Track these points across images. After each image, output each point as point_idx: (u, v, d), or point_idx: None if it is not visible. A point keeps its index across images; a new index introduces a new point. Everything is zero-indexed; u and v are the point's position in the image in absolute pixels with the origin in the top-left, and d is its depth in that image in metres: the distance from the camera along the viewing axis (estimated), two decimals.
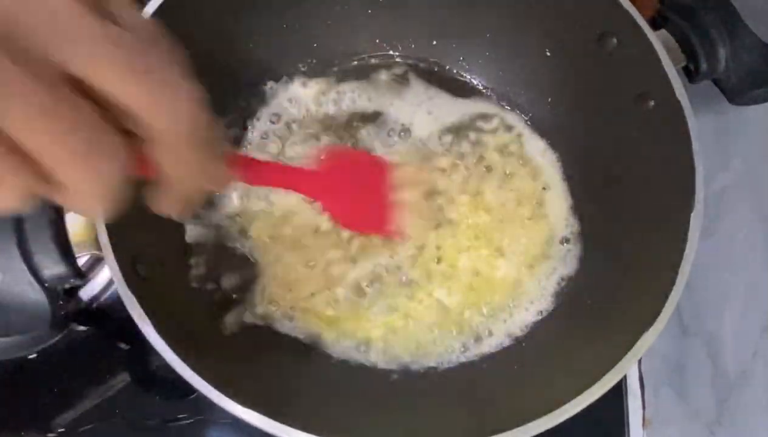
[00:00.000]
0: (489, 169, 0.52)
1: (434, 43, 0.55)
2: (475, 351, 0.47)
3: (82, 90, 0.21)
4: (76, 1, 0.20)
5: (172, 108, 0.22)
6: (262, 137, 0.52)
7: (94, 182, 0.21)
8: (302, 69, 0.54)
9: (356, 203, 0.45)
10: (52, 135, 0.20)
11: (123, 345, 0.52)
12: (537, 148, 0.53)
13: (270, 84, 0.53)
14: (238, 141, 0.52)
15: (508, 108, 0.55)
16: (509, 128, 0.54)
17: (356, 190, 0.45)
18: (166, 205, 0.27)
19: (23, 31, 0.20)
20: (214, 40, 0.46)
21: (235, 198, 0.50)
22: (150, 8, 0.41)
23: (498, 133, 0.53)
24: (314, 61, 0.54)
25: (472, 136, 0.53)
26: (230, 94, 0.51)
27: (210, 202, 0.49)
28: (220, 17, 0.47)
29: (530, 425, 0.35)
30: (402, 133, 0.53)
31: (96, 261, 0.49)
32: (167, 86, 0.22)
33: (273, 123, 0.52)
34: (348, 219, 0.46)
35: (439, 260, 0.49)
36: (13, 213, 0.33)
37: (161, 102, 0.22)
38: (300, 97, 0.53)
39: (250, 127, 0.52)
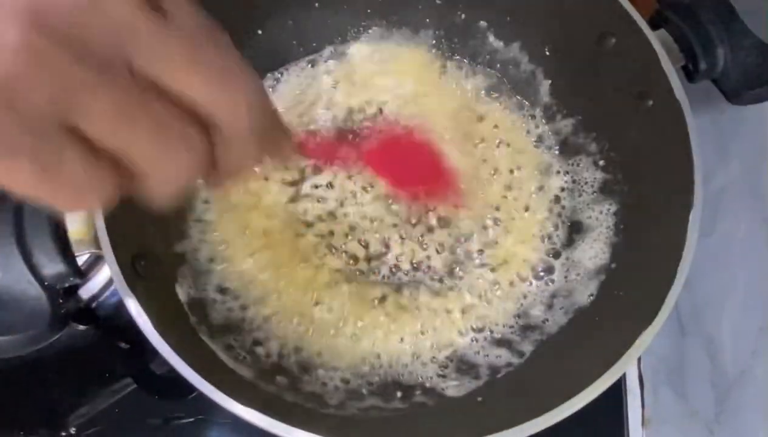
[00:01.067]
0: (493, 167, 0.52)
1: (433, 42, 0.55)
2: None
3: (154, 87, 0.21)
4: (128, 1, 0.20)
5: (234, 97, 0.22)
6: None
7: (173, 173, 0.22)
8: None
9: (412, 171, 0.47)
10: (131, 133, 0.20)
11: (123, 345, 0.52)
12: (537, 147, 0.53)
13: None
14: None
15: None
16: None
17: (409, 160, 0.47)
18: (218, 182, 0.26)
19: (86, 35, 0.19)
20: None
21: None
22: None
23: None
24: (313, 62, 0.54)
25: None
26: None
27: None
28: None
29: (529, 424, 0.34)
30: None
31: (96, 260, 0.48)
32: (228, 75, 0.22)
33: None
34: (410, 186, 0.46)
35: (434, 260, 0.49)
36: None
37: (224, 91, 0.22)
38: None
39: None
